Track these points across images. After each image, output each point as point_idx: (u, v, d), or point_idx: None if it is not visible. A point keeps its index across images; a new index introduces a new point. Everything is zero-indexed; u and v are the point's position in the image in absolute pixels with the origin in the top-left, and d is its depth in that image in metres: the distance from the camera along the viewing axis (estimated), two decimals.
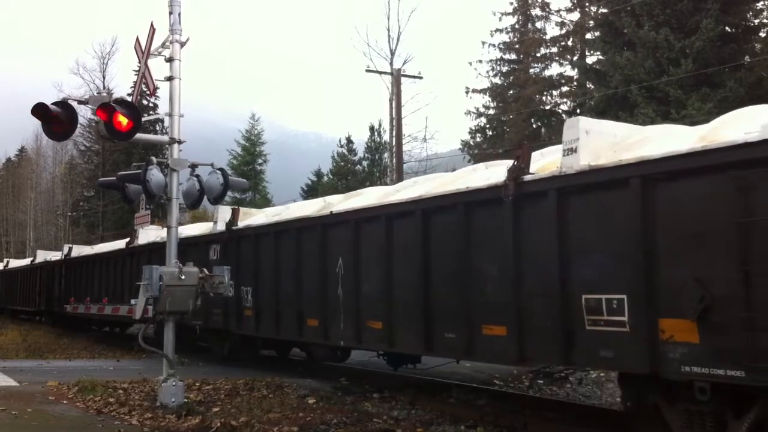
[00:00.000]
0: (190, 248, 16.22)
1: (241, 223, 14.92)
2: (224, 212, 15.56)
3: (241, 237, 14.62)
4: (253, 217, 15.44)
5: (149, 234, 19.63)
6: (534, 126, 41.39)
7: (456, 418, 9.43)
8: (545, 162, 8.66)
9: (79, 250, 26.71)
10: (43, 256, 31.12)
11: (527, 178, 8.19)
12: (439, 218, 9.56)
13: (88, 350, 19.96)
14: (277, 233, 13.40)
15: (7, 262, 40.00)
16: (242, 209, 15.76)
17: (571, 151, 7.67)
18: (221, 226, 15.29)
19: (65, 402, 10.65)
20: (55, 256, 29.29)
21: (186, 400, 10.23)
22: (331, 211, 12.07)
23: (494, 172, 9.32)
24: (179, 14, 10.60)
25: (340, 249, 11.49)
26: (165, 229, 20.26)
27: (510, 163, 8.87)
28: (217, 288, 10.50)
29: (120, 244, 22.50)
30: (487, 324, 8.64)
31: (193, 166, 11.05)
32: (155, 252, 17.45)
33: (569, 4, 41.37)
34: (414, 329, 9.80)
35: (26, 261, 36.20)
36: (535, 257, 8.08)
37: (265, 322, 13.63)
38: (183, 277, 10.13)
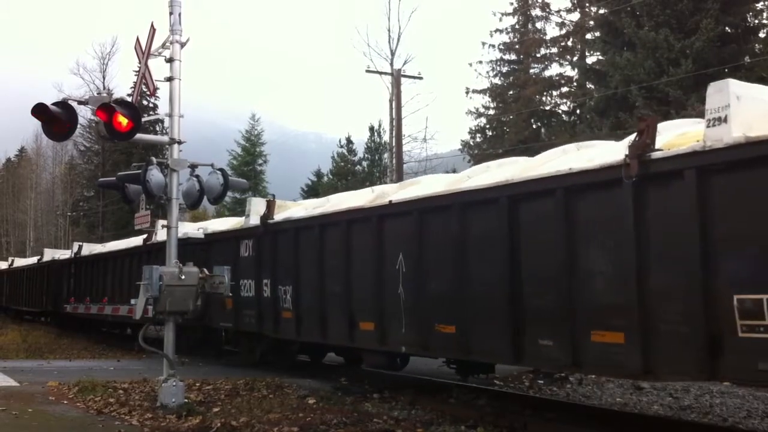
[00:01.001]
0: (218, 245, 15.59)
1: (278, 216, 13.66)
2: (257, 204, 14.39)
3: (279, 231, 13.37)
4: (290, 210, 14.16)
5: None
6: (534, 126, 41.37)
7: (456, 418, 9.43)
8: (668, 138, 7.32)
9: (90, 248, 25.84)
10: (50, 254, 30.21)
11: (656, 155, 6.93)
12: (531, 206, 8.32)
13: (88, 350, 19.97)
14: (322, 226, 12.14)
15: (12, 261, 38.97)
16: (278, 201, 14.38)
17: (718, 120, 6.38)
18: (254, 220, 14.04)
19: (65, 402, 10.65)
20: (63, 254, 28.46)
21: (186, 400, 10.23)
22: (390, 201, 10.80)
23: (597, 153, 8.24)
24: (179, 14, 10.60)
25: (401, 243, 10.25)
26: (189, 225, 19.62)
27: (607, 144, 7.96)
28: (217, 288, 10.50)
29: (136, 241, 21.32)
30: (598, 330, 7.39)
31: (193, 167, 11.05)
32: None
33: (569, 5, 41.40)
34: (497, 335, 8.58)
35: (32, 260, 35.13)
36: (665, 250, 6.85)
37: (308, 325, 12.44)
38: (183, 277, 10.13)
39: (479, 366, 11.10)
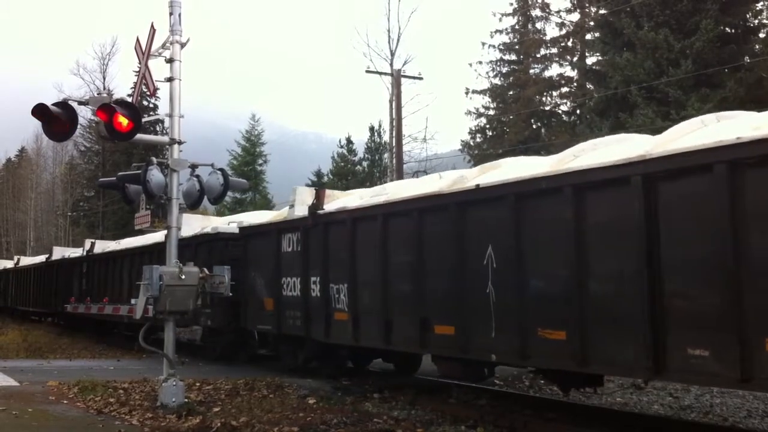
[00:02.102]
0: (254, 239, 14.31)
1: (329, 206, 12.48)
2: (302, 194, 13.09)
3: (331, 223, 12.04)
4: (340, 200, 12.93)
5: (193, 224, 17.44)
6: (534, 126, 41.37)
7: (456, 418, 9.44)
8: None
9: (103, 246, 24.56)
10: (60, 252, 28.90)
11: None
12: (676, 185, 7.01)
13: (88, 350, 19.98)
14: (386, 216, 10.73)
15: (18, 260, 37.17)
16: (327, 191, 13.28)
17: None
18: (301, 210, 12.77)
19: (66, 402, 10.66)
20: (74, 252, 27.27)
21: (186, 400, 10.24)
22: (477, 185, 9.23)
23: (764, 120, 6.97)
24: (179, 15, 10.61)
25: (490, 234, 8.87)
26: (218, 219, 18.91)
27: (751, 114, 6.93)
28: (218, 288, 10.51)
29: (156, 237, 19.72)
30: None
31: (193, 167, 11.06)
32: (203, 245, 15.90)
33: (569, 5, 41.36)
34: (627, 342, 7.26)
35: (39, 258, 33.32)
36: None
37: (367, 328, 11.10)
38: (183, 276, 10.14)
39: (587, 378, 9.19)
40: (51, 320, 30.10)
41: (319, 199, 12.55)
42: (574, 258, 7.83)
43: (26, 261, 35.98)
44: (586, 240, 7.78)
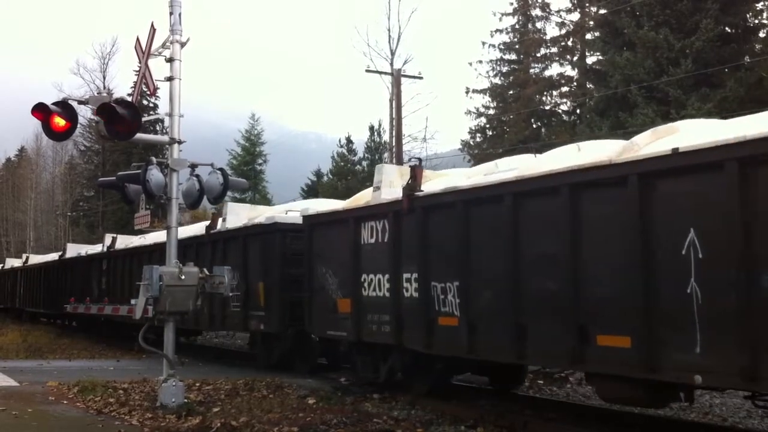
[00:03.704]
0: (323, 229, 12.34)
1: (429, 186, 10.50)
2: (389, 173, 11.15)
3: (434, 207, 9.96)
4: (438, 180, 10.94)
5: (240, 214, 15.54)
6: (534, 126, 41.36)
7: (456, 418, 9.44)
8: None
9: (126, 241, 22.42)
10: (74, 249, 27.12)
11: None
12: None
13: (88, 350, 19.98)
14: (519, 197, 8.65)
15: (27, 258, 34.89)
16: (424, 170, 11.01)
17: None
18: (390, 193, 10.82)
19: (65, 402, 10.66)
20: (92, 249, 25.47)
21: (186, 400, 10.24)
22: (674, 149, 7.04)
23: None
24: (179, 14, 10.62)
25: (692, 215, 6.89)
26: (265, 208, 16.84)
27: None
28: (217, 288, 10.50)
29: (193, 229, 17.96)
30: None
31: (193, 166, 11.05)
32: (255, 238, 14.31)
33: (569, 5, 41.35)
34: None
35: (52, 256, 31.22)
36: None
37: (488, 337, 9.06)
38: (183, 277, 10.13)
39: None
40: (60, 322, 28.68)
41: (415, 179, 10.26)
42: None
43: (36, 259, 33.76)
44: None
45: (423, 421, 9.38)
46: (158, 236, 19.29)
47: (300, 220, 13.03)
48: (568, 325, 7.99)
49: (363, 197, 12.21)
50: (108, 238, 23.12)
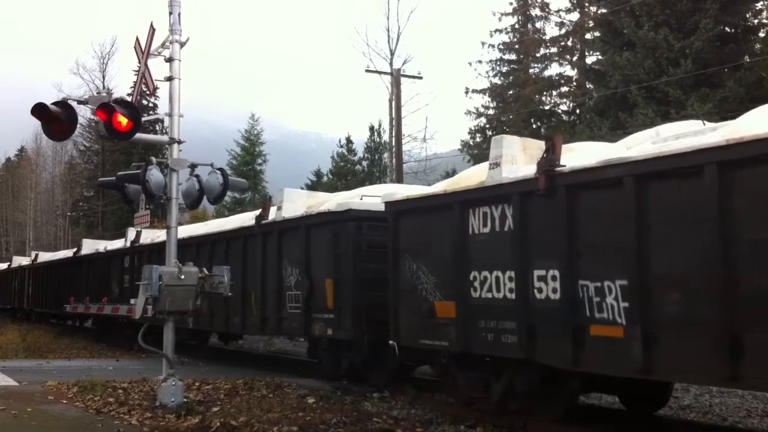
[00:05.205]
0: (414, 217, 10.36)
1: (572, 158, 8.30)
2: (511, 147, 8.90)
3: (583, 185, 7.94)
4: (572, 155, 8.59)
5: (297, 202, 13.54)
6: (534, 126, 41.38)
7: (456, 418, 9.43)
8: None
9: (153, 235, 19.93)
10: (90, 246, 25.41)
11: None
12: None
13: (87, 350, 19.98)
14: (726, 168, 6.63)
15: (36, 256, 32.60)
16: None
17: None
18: (515, 171, 8.71)
19: (65, 402, 10.66)
20: (111, 245, 23.73)
21: (185, 399, 10.23)
22: None
23: None
24: (179, 14, 10.61)
25: None
26: (327, 195, 14.48)
27: None
28: (217, 288, 10.48)
29: (237, 220, 16.26)
30: None
31: (193, 166, 11.04)
32: (322, 228, 12.41)
33: (569, 5, 41.39)
34: None
35: (64, 253, 29.60)
36: None
37: (679, 352, 6.99)
38: (182, 276, 10.13)
39: None
40: (71, 323, 27.46)
41: (554, 151, 8.25)
42: None
43: (46, 257, 31.72)
44: None
45: (423, 421, 9.38)
46: (189, 230, 18.31)
47: (379, 207, 11.16)
48: None
49: (466, 178, 10.17)
50: (131, 232, 20.75)
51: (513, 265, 8.64)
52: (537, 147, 8.73)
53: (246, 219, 15.59)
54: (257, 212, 14.60)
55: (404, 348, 10.49)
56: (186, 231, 17.92)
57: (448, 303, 9.55)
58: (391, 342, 10.67)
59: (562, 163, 8.14)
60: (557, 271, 8.11)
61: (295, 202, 13.47)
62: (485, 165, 9.48)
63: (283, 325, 13.56)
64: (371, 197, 12.34)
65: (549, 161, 8.18)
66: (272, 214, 13.90)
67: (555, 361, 8.20)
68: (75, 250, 26.87)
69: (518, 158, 8.86)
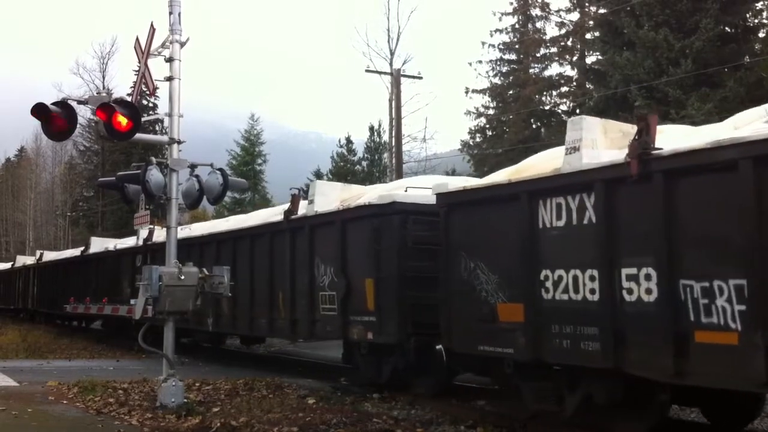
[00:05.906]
0: (471, 210, 9.37)
1: (662, 141, 7.29)
2: (592, 129, 7.95)
3: (687, 171, 6.95)
4: (669, 134, 7.77)
5: (329, 195, 12.55)
6: (534, 126, 41.39)
7: (456, 418, 9.43)
8: None
9: (165, 233, 19.00)
10: (100, 244, 24.57)
11: None
12: None
13: (87, 350, 19.98)
14: None
15: (41, 255, 31.34)
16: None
17: None
18: (592, 157, 7.81)
19: (65, 402, 10.66)
20: (122, 243, 22.84)
21: (186, 400, 10.23)
22: None
23: None
24: (179, 14, 10.61)
25: None
26: (360, 187, 13.64)
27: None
28: (217, 288, 10.48)
29: (265, 214, 15.49)
30: None
31: (193, 166, 11.04)
32: (361, 222, 11.45)
33: (569, 5, 41.38)
34: None
35: (71, 252, 28.68)
36: None
37: None
38: (182, 277, 10.12)
39: None
40: (77, 324, 26.94)
41: (648, 132, 7.25)
42: None
43: (52, 256, 30.91)
44: None
45: (423, 421, 9.38)
46: (205, 227, 17.65)
47: (426, 200, 10.38)
48: None
49: (531, 166, 9.18)
50: (144, 230, 19.81)
51: (595, 262, 7.69)
52: (618, 130, 8.02)
53: (271, 214, 14.86)
54: (284, 207, 13.73)
55: (457, 354, 9.64)
56: (206, 227, 17.46)
57: (514, 305, 8.56)
58: (438, 347, 10.00)
59: (657, 146, 7.19)
60: (653, 270, 7.14)
61: (328, 196, 12.46)
62: (554, 151, 8.55)
63: (316, 328, 12.54)
64: (418, 189, 11.39)
65: (643, 144, 7.20)
66: (302, 208, 12.93)
67: (651, 372, 7.22)
68: (82, 248, 26.02)
69: (599, 142, 7.90)
